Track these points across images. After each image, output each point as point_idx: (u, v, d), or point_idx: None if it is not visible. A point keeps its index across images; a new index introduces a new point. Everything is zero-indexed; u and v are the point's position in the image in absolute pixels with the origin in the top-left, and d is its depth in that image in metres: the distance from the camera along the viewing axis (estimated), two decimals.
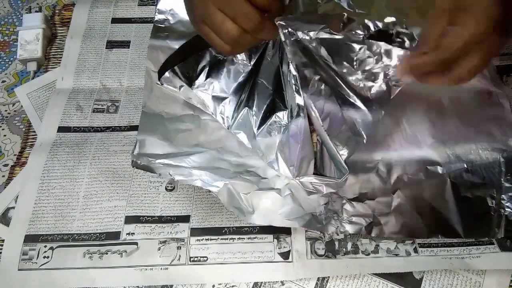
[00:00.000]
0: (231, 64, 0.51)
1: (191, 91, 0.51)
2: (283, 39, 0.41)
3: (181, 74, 0.51)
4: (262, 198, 0.46)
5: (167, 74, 0.50)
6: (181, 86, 0.51)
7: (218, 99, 0.51)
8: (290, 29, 0.41)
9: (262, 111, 0.48)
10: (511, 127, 0.52)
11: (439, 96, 0.54)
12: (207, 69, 0.51)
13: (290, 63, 0.42)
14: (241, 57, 0.50)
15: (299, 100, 0.43)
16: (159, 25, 0.60)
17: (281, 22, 0.40)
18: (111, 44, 0.62)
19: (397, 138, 0.51)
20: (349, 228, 0.45)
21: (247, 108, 0.49)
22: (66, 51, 0.62)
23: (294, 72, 0.42)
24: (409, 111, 0.53)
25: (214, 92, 0.51)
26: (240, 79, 0.51)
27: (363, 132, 0.44)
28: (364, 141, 0.44)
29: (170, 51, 0.57)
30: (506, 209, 0.46)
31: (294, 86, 0.43)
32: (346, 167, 0.42)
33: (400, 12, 0.61)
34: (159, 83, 0.51)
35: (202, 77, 0.51)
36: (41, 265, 0.46)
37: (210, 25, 0.38)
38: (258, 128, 0.48)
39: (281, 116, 0.47)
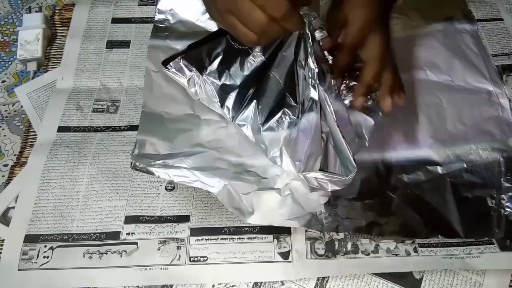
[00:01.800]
0: (246, 54, 0.50)
1: (200, 78, 0.50)
2: (307, 31, 0.41)
3: (193, 60, 0.49)
4: (262, 198, 0.46)
5: (177, 60, 0.49)
6: (189, 78, 0.50)
7: (227, 89, 0.50)
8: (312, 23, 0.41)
9: (270, 105, 0.47)
10: (511, 127, 0.52)
11: (439, 96, 0.54)
12: (221, 57, 0.50)
13: (310, 57, 0.42)
14: (256, 48, 0.50)
15: (314, 94, 0.42)
16: (159, 25, 0.60)
17: (306, 13, 0.40)
18: (111, 44, 0.62)
19: (397, 138, 0.51)
20: (349, 228, 0.45)
21: (255, 100, 0.48)
22: (66, 51, 0.62)
23: (313, 66, 0.42)
24: (409, 112, 0.53)
25: (224, 81, 0.50)
26: (252, 70, 0.50)
27: (366, 135, 0.44)
28: (367, 144, 0.44)
29: (170, 51, 0.57)
30: (506, 209, 0.46)
31: (310, 80, 0.42)
32: (355, 165, 0.41)
33: (400, 12, 0.62)
34: (167, 68, 0.50)
35: (215, 64, 0.50)
36: (41, 265, 0.46)
37: (237, 14, 0.37)
38: (265, 122, 0.47)
39: (290, 111, 0.46)
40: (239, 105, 0.49)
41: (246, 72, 0.50)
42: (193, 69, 0.49)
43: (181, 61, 0.50)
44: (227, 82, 0.50)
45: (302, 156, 0.44)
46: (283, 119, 0.47)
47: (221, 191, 0.46)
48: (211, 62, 0.50)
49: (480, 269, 0.45)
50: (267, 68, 0.49)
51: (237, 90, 0.50)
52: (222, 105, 0.50)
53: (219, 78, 0.50)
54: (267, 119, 0.47)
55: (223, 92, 0.50)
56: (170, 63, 0.50)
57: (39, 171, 0.51)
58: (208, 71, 0.50)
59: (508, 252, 0.45)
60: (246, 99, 0.49)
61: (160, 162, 0.48)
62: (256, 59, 0.50)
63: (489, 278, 0.44)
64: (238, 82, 0.50)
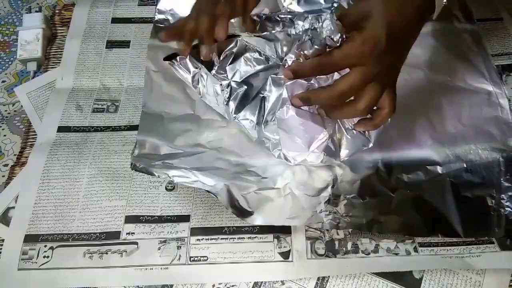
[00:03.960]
0: (257, 54, 0.49)
1: (208, 75, 0.49)
2: None
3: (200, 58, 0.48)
4: (262, 198, 0.46)
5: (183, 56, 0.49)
6: (194, 75, 0.50)
7: (235, 86, 0.49)
8: None
9: (274, 99, 0.47)
10: (510, 127, 0.52)
11: (439, 96, 0.54)
12: (232, 56, 0.50)
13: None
14: (270, 52, 0.49)
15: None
16: (159, 25, 0.60)
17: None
18: (111, 44, 0.62)
19: (397, 138, 0.51)
20: (349, 226, 0.45)
21: (260, 95, 0.47)
22: (66, 51, 0.62)
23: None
24: (409, 112, 0.53)
25: (232, 78, 0.49)
26: (261, 67, 0.49)
27: (371, 137, 0.44)
28: (371, 145, 0.44)
29: (170, 51, 0.57)
30: (506, 209, 0.46)
31: None
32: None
33: None
34: (172, 62, 0.49)
35: (225, 62, 0.49)
36: (41, 265, 0.46)
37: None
38: (267, 115, 0.47)
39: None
40: (244, 102, 0.48)
41: (254, 70, 0.49)
42: (201, 65, 0.49)
43: (188, 57, 0.49)
44: (236, 79, 0.49)
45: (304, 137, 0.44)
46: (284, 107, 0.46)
47: (221, 191, 0.46)
48: (221, 60, 0.50)
49: (480, 268, 0.45)
50: (276, 66, 0.48)
51: (244, 87, 0.49)
52: (227, 102, 0.49)
53: (228, 76, 0.49)
54: (269, 113, 0.47)
55: (231, 89, 0.49)
56: (177, 58, 0.50)
57: (39, 171, 0.51)
58: (217, 69, 0.49)
59: (508, 251, 0.45)
60: (252, 96, 0.48)
61: (160, 162, 0.48)
62: (268, 59, 0.49)
63: (489, 278, 0.44)
64: (247, 80, 0.49)
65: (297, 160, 0.46)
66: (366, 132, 0.44)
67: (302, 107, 0.44)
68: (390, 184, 0.48)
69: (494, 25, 0.62)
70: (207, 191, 0.46)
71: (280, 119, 0.45)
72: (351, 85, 0.38)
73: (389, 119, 0.44)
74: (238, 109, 0.49)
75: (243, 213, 0.45)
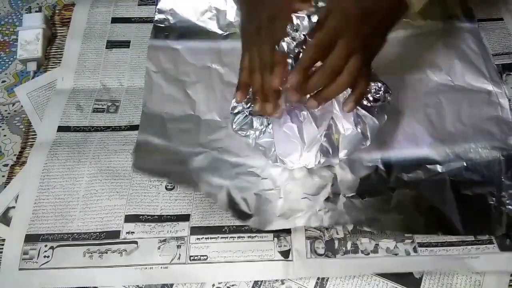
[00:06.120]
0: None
1: None
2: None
3: None
4: (262, 199, 0.46)
5: None
6: None
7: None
8: None
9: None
10: (510, 126, 0.52)
11: (439, 96, 0.55)
12: None
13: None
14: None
15: None
16: (159, 25, 0.60)
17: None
18: (111, 44, 0.62)
19: (396, 137, 0.51)
20: (349, 223, 0.45)
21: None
22: (66, 51, 0.62)
23: None
24: (408, 111, 0.53)
25: None
26: None
27: (369, 135, 0.44)
28: (368, 143, 0.44)
29: (170, 51, 0.57)
30: (507, 206, 0.46)
31: None
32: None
33: None
34: None
35: None
36: (41, 265, 0.46)
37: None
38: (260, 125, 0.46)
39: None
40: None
41: None
42: None
43: None
44: None
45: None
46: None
47: (221, 193, 0.46)
48: None
49: (479, 271, 0.44)
50: None
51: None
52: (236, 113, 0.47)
53: None
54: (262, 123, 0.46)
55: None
56: None
57: (39, 171, 0.51)
58: None
59: (507, 252, 0.45)
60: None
61: (159, 162, 0.48)
62: None
63: (489, 278, 0.44)
64: None
65: (295, 164, 0.46)
66: (365, 130, 0.44)
67: (295, 110, 0.44)
68: (390, 183, 0.48)
69: (494, 25, 0.62)
70: (207, 192, 0.45)
71: (275, 125, 0.44)
72: (339, 57, 0.39)
73: (386, 116, 0.44)
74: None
75: (242, 215, 0.45)
